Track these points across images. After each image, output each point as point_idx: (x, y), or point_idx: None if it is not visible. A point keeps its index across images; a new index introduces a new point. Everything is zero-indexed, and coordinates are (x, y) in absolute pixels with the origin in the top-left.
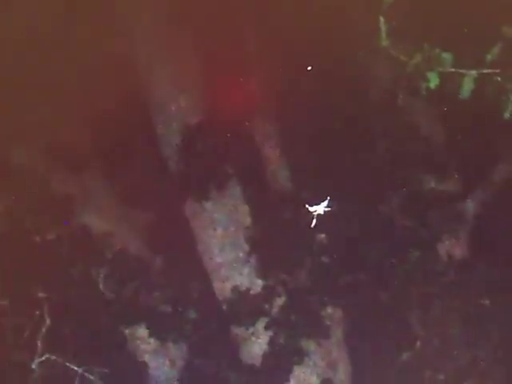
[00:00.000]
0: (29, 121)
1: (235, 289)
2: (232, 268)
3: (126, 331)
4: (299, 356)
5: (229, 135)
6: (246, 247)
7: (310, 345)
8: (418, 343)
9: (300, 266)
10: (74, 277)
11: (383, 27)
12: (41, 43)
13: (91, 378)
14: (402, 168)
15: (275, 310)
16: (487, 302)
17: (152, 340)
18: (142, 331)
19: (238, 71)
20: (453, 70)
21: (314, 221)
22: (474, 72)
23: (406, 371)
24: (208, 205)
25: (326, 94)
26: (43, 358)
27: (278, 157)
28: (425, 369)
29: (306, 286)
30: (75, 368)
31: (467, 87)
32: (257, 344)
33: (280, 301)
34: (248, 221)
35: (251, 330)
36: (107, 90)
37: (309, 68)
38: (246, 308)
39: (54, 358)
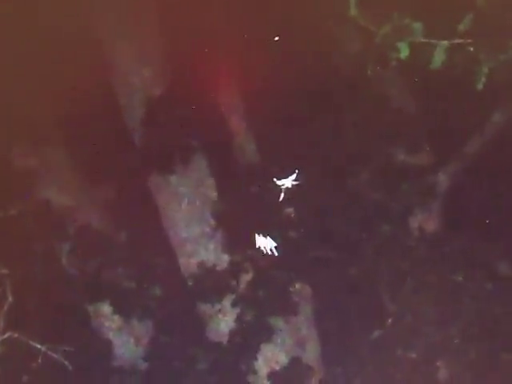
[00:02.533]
0: None
1: (201, 265)
2: (198, 243)
3: (90, 308)
4: (267, 334)
5: (193, 107)
6: (212, 222)
7: (278, 322)
8: (390, 320)
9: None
10: (36, 253)
11: None
12: None
13: (55, 356)
14: (371, 140)
15: (242, 286)
16: (460, 277)
17: (116, 317)
18: (106, 308)
19: (203, 42)
20: (424, 40)
21: (282, 195)
22: (445, 42)
23: (377, 349)
24: (173, 178)
25: (293, 65)
26: (5, 336)
27: (245, 129)
28: (396, 347)
29: (274, 262)
30: (38, 346)
31: (438, 58)
32: (223, 321)
33: (247, 277)
34: (214, 195)
35: (218, 306)
36: (69, 63)
37: (276, 38)
38: (212, 284)
39: (16, 335)
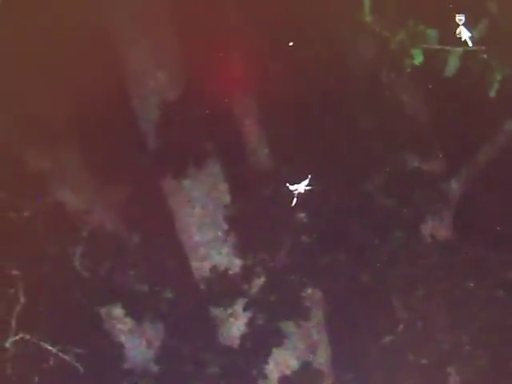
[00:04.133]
0: (1, 95)
1: (213, 268)
2: (210, 247)
3: (102, 310)
4: (278, 338)
5: (207, 111)
6: (225, 226)
7: (289, 326)
8: (401, 326)
9: (280, 246)
10: (49, 255)
11: (367, 2)
12: (14, 15)
13: (66, 357)
14: (385, 146)
15: (254, 290)
16: (471, 284)
17: (128, 320)
18: (118, 311)
19: (218, 46)
20: (438, 46)
21: (295, 200)
22: (459, 49)
23: (388, 355)
24: (186, 182)
25: (308, 71)
26: (17, 337)
27: (258, 134)
28: (407, 353)
29: (286, 267)
30: (50, 348)
31: (453, 64)
32: (235, 325)
33: (259, 281)
34: (227, 199)
35: (229, 310)
36: (83, 63)
37: (290, 44)
38: (224, 288)
39: (28, 337)
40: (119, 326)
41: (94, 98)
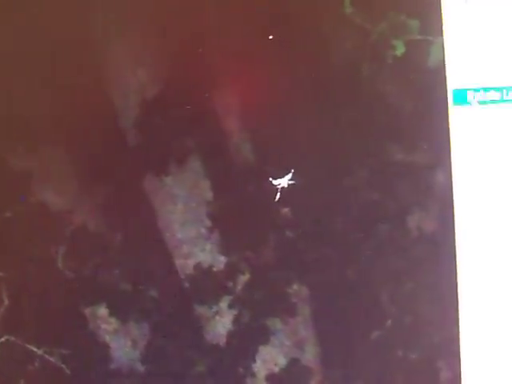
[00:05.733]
0: None
1: (197, 266)
2: (194, 244)
3: (87, 311)
4: (265, 335)
5: (188, 108)
6: (208, 223)
7: (276, 323)
8: (389, 321)
9: (264, 242)
10: (32, 255)
11: None
12: None
13: (52, 359)
14: (368, 139)
15: (239, 287)
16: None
17: (113, 320)
18: (103, 310)
19: (197, 42)
20: (420, 37)
21: (278, 194)
22: (441, 39)
23: (377, 350)
24: (168, 179)
25: (288, 64)
26: (2, 339)
27: (240, 129)
28: (396, 348)
29: (271, 263)
30: (35, 349)
31: (435, 55)
32: (221, 323)
33: (244, 278)
34: (209, 195)
35: (215, 308)
36: (63, 62)
37: (270, 37)
38: (209, 286)
39: (13, 339)
40: (104, 326)
41: (75, 96)
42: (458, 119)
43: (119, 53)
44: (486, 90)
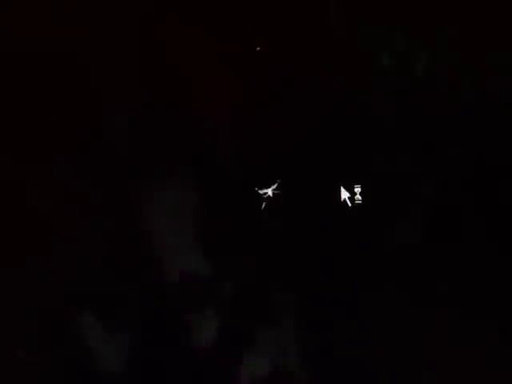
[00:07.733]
0: None
1: (183, 273)
2: (180, 252)
3: (73, 317)
4: (249, 342)
5: (177, 117)
6: (195, 230)
7: (260, 331)
8: (373, 326)
9: (250, 249)
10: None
11: (332, 5)
12: None
13: (36, 364)
14: (352, 149)
15: (224, 294)
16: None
17: (99, 326)
18: (89, 317)
19: (184, 51)
20: (406, 48)
21: (264, 203)
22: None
23: (361, 359)
24: (156, 188)
25: (274, 75)
26: None
27: (228, 138)
28: (380, 356)
29: (256, 270)
30: (20, 354)
31: (421, 66)
32: (206, 330)
33: (229, 285)
34: (197, 204)
35: (200, 315)
36: (51, 76)
37: (257, 48)
38: (195, 293)
39: None
40: (90, 332)
41: (64, 104)
42: None
43: (106, 62)
44: None
